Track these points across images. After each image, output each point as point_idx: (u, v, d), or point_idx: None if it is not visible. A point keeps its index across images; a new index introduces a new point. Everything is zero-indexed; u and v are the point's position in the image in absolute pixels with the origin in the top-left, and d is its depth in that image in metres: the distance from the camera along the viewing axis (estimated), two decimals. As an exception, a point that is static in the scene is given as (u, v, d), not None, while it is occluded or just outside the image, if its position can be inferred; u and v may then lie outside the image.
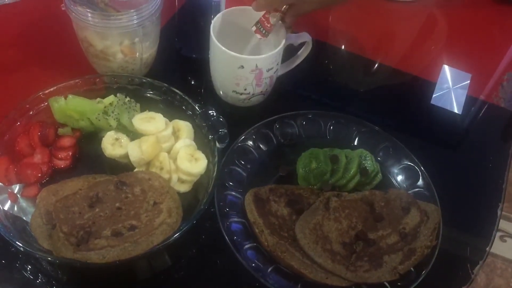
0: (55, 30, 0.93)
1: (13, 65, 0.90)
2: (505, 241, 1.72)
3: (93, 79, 0.81)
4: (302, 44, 0.86)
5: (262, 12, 0.80)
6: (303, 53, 0.88)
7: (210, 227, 0.72)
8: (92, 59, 0.85)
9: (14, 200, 0.72)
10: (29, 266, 0.68)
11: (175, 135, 0.78)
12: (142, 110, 0.79)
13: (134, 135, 0.77)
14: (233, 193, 0.75)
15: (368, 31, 1.08)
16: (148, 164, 0.75)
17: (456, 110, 0.95)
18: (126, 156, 0.74)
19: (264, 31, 0.80)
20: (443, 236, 0.73)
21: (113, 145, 0.75)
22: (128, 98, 0.79)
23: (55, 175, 0.75)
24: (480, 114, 0.97)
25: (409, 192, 0.78)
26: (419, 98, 0.97)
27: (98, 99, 0.79)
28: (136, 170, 0.74)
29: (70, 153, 0.77)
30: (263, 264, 0.68)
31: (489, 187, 0.85)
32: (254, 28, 0.81)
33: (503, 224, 1.73)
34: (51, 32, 0.95)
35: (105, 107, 0.78)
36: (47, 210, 0.68)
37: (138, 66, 0.86)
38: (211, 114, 0.79)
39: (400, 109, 0.96)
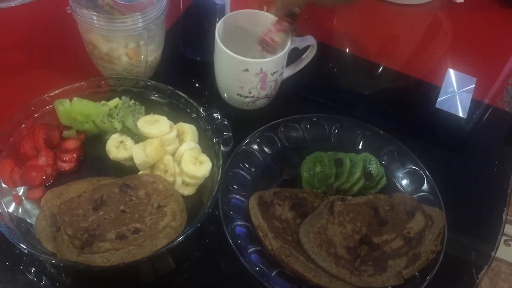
0: (61, 32, 0.93)
1: (18, 67, 0.91)
2: (509, 245, 1.71)
3: (98, 81, 0.81)
4: (307, 48, 0.86)
5: (265, 30, 0.79)
6: (308, 57, 0.88)
7: (214, 231, 0.72)
8: (97, 61, 0.85)
9: (19, 202, 0.72)
10: (33, 269, 0.68)
11: (180, 138, 0.78)
12: (147, 113, 0.79)
13: (138, 137, 0.77)
14: (237, 196, 0.75)
15: (373, 35, 1.08)
16: (153, 167, 0.75)
17: (461, 114, 0.95)
18: (131, 159, 0.74)
19: (270, 49, 0.80)
20: (448, 241, 0.73)
21: (117, 147, 0.75)
22: (133, 101, 0.79)
23: (59, 178, 0.76)
24: (485, 118, 0.97)
25: (414, 196, 0.78)
26: (424, 101, 0.97)
27: (103, 101, 0.79)
28: (140, 173, 0.74)
29: (75, 156, 0.77)
30: (267, 268, 0.68)
31: (494, 192, 0.85)
32: (259, 48, 0.80)
33: (507, 228, 1.72)
34: (56, 34, 0.95)
35: (110, 109, 0.78)
36: (52, 213, 0.68)
37: (143, 69, 0.86)
38: (216, 117, 0.79)
39: (404, 113, 0.96)
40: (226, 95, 0.87)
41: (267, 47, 0.79)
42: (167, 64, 0.91)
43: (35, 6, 0.99)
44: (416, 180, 0.80)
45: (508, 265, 1.67)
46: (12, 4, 0.98)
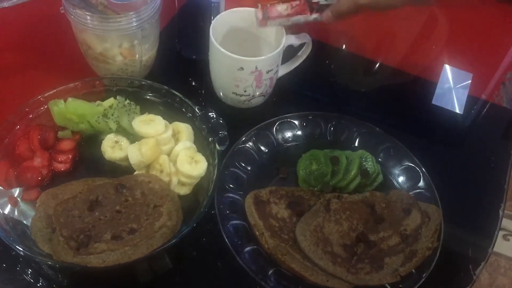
0: (54, 33, 0.93)
1: (12, 68, 0.90)
2: (508, 240, 1.71)
3: (92, 81, 0.81)
4: (302, 45, 0.86)
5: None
6: (303, 54, 0.88)
7: (210, 230, 0.71)
8: (91, 61, 0.85)
9: (14, 204, 0.72)
10: (30, 270, 0.68)
11: (175, 137, 0.77)
12: (142, 112, 0.79)
13: (134, 137, 0.77)
14: (234, 195, 0.75)
15: (368, 31, 1.07)
16: (148, 166, 0.75)
17: (457, 110, 0.94)
18: (126, 159, 0.74)
19: (267, 18, 0.79)
20: (444, 237, 0.73)
21: (113, 148, 0.75)
22: (127, 101, 0.79)
23: (55, 179, 0.75)
24: (482, 114, 0.97)
25: (410, 193, 0.78)
26: (420, 98, 0.97)
27: (98, 101, 0.79)
28: (136, 173, 0.74)
29: (70, 156, 0.77)
30: (264, 267, 0.68)
31: (491, 188, 0.85)
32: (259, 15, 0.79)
33: (506, 223, 1.72)
34: (50, 35, 0.95)
35: (104, 109, 0.77)
36: (47, 214, 0.68)
37: (138, 69, 0.86)
38: (211, 116, 0.79)
39: (401, 110, 0.95)
40: (221, 94, 0.87)
41: (267, 14, 0.78)
42: (162, 63, 0.91)
43: (28, 7, 0.97)
44: (412, 177, 0.80)
45: (508, 260, 1.67)
46: (5, 4, 0.97)
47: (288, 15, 0.79)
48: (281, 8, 0.79)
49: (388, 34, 1.09)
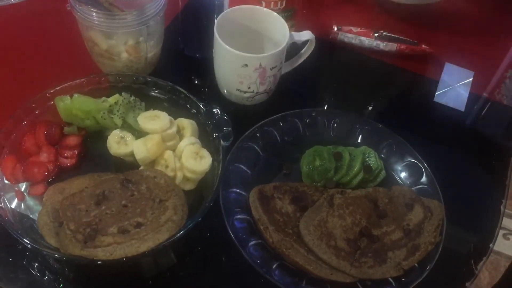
0: (61, 30, 0.94)
1: (19, 64, 0.91)
2: (508, 239, 1.72)
3: (98, 78, 0.82)
4: (305, 42, 0.87)
5: None
6: (307, 51, 0.88)
7: (215, 225, 0.72)
8: (97, 58, 0.86)
9: (21, 198, 0.72)
10: (36, 264, 0.69)
11: (180, 133, 0.78)
12: (147, 108, 0.79)
13: (139, 133, 0.77)
14: (238, 190, 0.76)
15: (371, 29, 1.08)
16: (154, 162, 0.75)
17: (459, 108, 0.95)
18: (132, 154, 0.75)
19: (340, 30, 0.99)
20: (446, 233, 0.73)
21: (118, 143, 0.76)
22: (133, 97, 0.80)
23: (61, 174, 0.76)
24: (483, 112, 0.98)
25: (413, 188, 0.78)
26: (422, 95, 0.97)
27: (103, 98, 0.80)
28: (141, 168, 0.75)
29: (76, 152, 0.77)
30: (268, 261, 0.69)
31: (492, 184, 0.85)
32: None
33: (506, 222, 1.73)
34: (56, 32, 0.95)
35: (110, 106, 0.78)
36: (54, 208, 0.69)
37: (143, 65, 0.87)
38: (216, 112, 0.79)
39: (403, 107, 0.96)
40: (225, 91, 0.88)
41: None
42: (166, 60, 0.92)
43: (35, 4, 0.99)
44: (415, 172, 0.80)
45: (508, 259, 1.67)
46: (12, 1, 0.98)
47: (357, 33, 1.00)
48: (353, 26, 1.00)
49: (390, 32, 1.09)
